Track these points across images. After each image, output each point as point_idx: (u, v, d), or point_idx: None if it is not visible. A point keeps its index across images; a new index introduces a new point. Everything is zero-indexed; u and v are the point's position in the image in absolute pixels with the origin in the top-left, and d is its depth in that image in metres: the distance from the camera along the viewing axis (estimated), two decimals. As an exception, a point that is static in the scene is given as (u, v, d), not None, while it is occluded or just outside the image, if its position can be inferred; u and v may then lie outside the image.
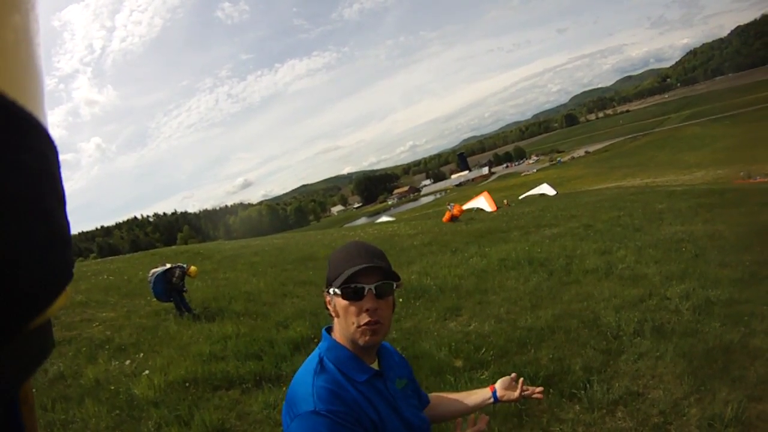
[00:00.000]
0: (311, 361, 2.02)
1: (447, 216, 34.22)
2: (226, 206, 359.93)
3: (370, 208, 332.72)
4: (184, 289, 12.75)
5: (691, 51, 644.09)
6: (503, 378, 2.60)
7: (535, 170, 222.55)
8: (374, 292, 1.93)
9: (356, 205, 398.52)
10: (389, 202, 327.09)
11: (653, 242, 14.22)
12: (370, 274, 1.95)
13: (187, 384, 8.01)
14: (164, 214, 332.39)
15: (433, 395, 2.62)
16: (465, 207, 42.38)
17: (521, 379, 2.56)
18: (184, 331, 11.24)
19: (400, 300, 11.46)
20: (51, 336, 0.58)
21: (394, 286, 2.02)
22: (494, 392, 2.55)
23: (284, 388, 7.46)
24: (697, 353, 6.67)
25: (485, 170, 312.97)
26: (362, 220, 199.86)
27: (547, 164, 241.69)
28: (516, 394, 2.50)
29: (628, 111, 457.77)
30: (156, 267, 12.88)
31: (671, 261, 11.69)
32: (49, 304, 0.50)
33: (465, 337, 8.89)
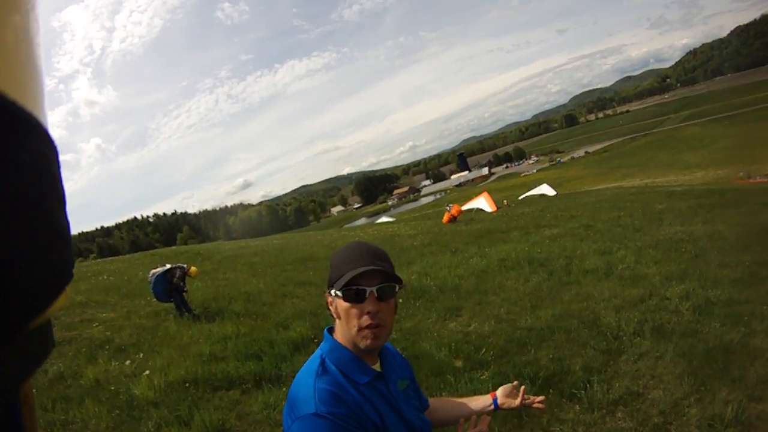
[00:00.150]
0: (313, 362, 2.01)
1: (446, 217, 34.20)
2: (226, 207, 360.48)
3: (370, 208, 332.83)
4: (185, 289, 12.74)
5: (690, 51, 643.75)
6: (504, 386, 2.57)
7: (534, 170, 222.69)
8: (376, 294, 1.92)
9: (356, 206, 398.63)
10: (389, 203, 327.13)
11: (653, 242, 14.22)
12: (372, 277, 1.93)
13: (187, 384, 8.01)
14: (164, 214, 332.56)
15: (433, 399, 2.61)
16: (465, 207, 42.40)
17: (522, 387, 2.54)
18: (184, 332, 11.24)
19: (400, 300, 11.45)
20: (51, 336, 0.58)
21: (397, 288, 2.01)
22: (495, 399, 2.53)
23: (284, 389, 7.47)
24: (697, 353, 6.67)
25: (485, 171, 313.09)
26: (362, 221, 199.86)
27: (547, 164, 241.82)
28: (517, 402, 2.49)
29: (627, 111, 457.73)
30: (156, 267, 12.87)
31: (671, 261, 11.69)
32: (49, 304, 0.50)
33: (465, 337, 8.89)
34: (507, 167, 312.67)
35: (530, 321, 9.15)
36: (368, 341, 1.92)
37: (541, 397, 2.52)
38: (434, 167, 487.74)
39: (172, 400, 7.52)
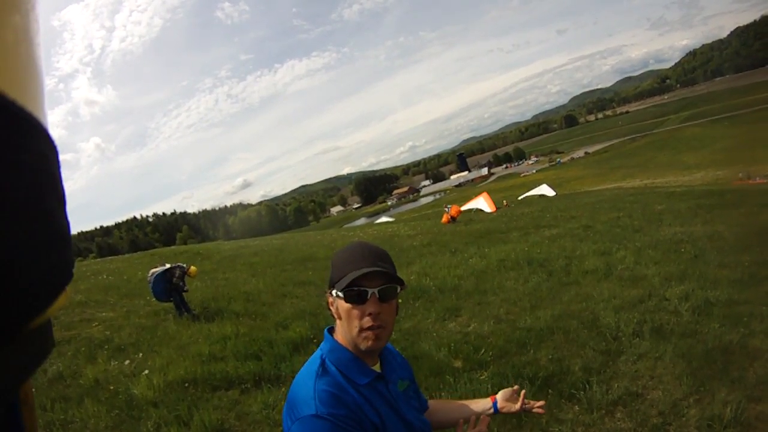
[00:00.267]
0: (313, 362, 2.01)
1: (445, 218, 34.22)
2: (226, 206, 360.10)
3: (370, 208, 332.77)
4: (185, 288, 12.73)
5: (690, 52, 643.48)
6: (505, 389, 2.57)
7: (534, 171, 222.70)
8: (377, 295, 1.92)
9: (356, 206, 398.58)
10: (389, 203, 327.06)
11: (653, 243, 14.22)
12: (374, 278, 1.93)
13: (186, 384, 8.01)
14: (163, 214, 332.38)
15: (432, 401, 2.61)
16: (464, 207, 42.45)
17: (523, 392, 2.53)
18: (184, 332, 11.24)
19: (400, 301, 11.44)
20: (51, 336, 0.58)
21: (398, 289, 2.01)
22: (495, 403, 2.52)
23: (283, 389, 7.49)
24: (697, 354, 6.67)
25: (485, 171, 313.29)
26: (361, 221, 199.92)
27: (547, 165, 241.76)
28: (517, 406, 2.48)
29: (627, 112, 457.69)
30: (155, 267, 12.86)
31: (670, 262, 11.70)
32: (49, 303, 0.50)
33: (464, 337, 8.89)
34: (507, 167, 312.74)
35: (529, 321, 9.15)
36: (369, 343, 1.92)
37: (541, 402, 2.51)
38: (434, 167, 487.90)
39: (172, 399, 7.52)
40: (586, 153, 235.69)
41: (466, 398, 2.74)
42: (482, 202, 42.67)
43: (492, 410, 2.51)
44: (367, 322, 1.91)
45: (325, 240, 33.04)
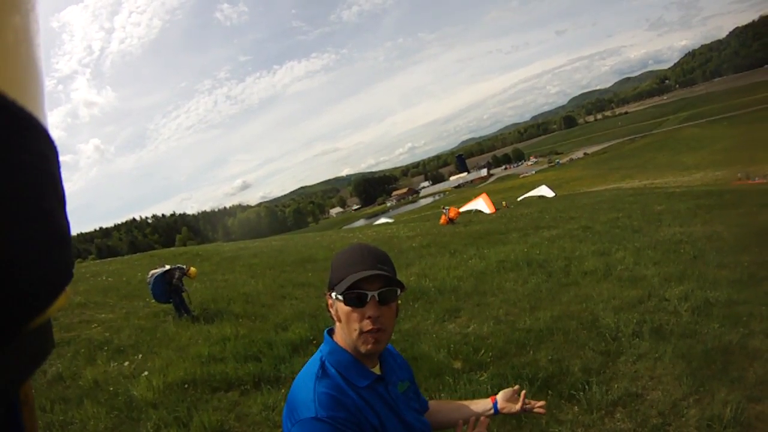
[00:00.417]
0: (313, 364, 2.01)
1: (443, 219, 34.21)
2: (225, 208, 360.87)
3: (369, 209, 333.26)
4: (185, 289, 12.74)
5: (689, 52, 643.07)
6: (505, 390, 2.56)
7: (533, 172, 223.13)
8: (377, 298, 1.91)
9: (355, 207, 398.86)
10: (388, 204, 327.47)
11: (652, 243, 14.23)
12: (374, 281, 1.92)
13: (186, 385, 8.01)
14: (163, 215, 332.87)
15: (432, 402, 2.60)
16: (464, 209, 42.53)
17: (523, 392, 2.53)
18: (183, 333, 11.24)
19: (399, 302, 11.43)
20: (51, 336, 0.58)
21: (398, 292, 2.01)
22: (495, 403, 2.52)
23: (283, 390, 7.48)
24: (696, 354, 6.68)
25: (484, 172, 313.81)
26: (361, 222, 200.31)
27: (546, 166, 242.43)
28: (517, 406, 2.48)
29: (626, 113, 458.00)
30: (155, 268, 12.87)
31: (670, 262, 11.70)
32: (49, 304, 0.50)
33: (464, 338, 8.88)
34: (506, 168, 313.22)
35: (529, 322, 9.15)
36: (369, 346, 1.92)
37: (541, 402, 2.50)
38: (433, 168, 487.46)
39: (171, 401, 7.51)
40: (585, 154, 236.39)
41: (466, 399, 2.74)
42: (481, 203, 42.77)
43: (492, 411, 2.50)
44: (367, 325, 1.90)
45: (324, 241, 33.04)
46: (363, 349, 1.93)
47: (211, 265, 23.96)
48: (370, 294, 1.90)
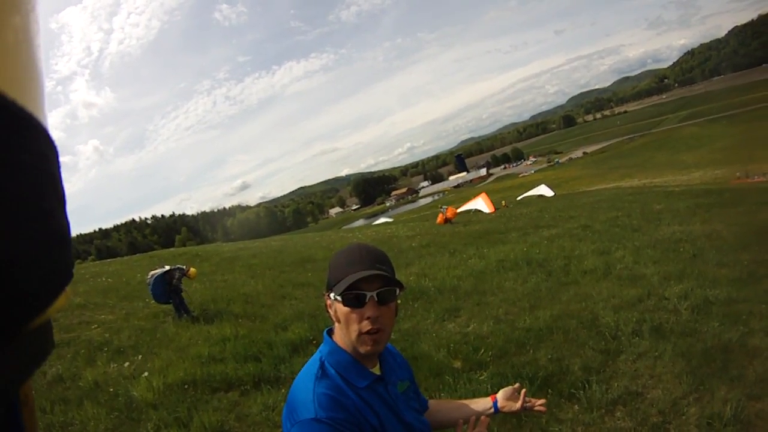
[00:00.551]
0: (312, 365, 2.00)
1: (440, 218, 34.19)
2: (224, 208, 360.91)
3: (368, 209, 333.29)
4: (183, 289, 12.74)
5: (688, 51, 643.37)
6: (505, 388, 2.55)
7: (533, 171, 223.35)
8: (376, 299, 1.91)
9: (354, 207, 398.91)
10: (387, 204, 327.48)
11: (651, 242, 14.24)
12: (372, 281, 1.91)
13: (186, 386, 8.01)
14: (162, 216, 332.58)
15: (432, 401, 2.60)
16: (463, 208, 42.57)
17: (524, 390, 2.51)
18: (183, 333, 11.25)
19: (399, 301, 11.43)
20: (51, 336, 0.58)
21: (397, 292, 2.00)
22: (495, 402, 2.51)
23: (283, 390, 7.48)
24: (696, 353, 6.68)
25: (483, 171, 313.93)
26: (360, 222, 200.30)
27: (545, 165, 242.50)
28: (518, 405, 2.46)
29: (625, 112, 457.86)
30: (155, 269, 12.87)
31: (669, 261, 11.70)
32: (49, 304, 0.50)
33: (464, 338, 8.88)
34: (505, 168, 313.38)
35: (529, 321, 9.15)
36: (368, 347, 1.92)
37: (542, 401, 2.49)
38: (432, 168, 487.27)
39: (171, 401, 7.51)
40: (584, 153, 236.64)
41: (466, 398, 2.74)
42: (481, 203, 42.75)
43: (492, 410, 2.49)
44: (366, 325, 1.90)
45: (323, 241, 33.02)
46: (362, 350, 1.93)
47: (211, 266, 23.97)
48: (368, 294, 1.90)
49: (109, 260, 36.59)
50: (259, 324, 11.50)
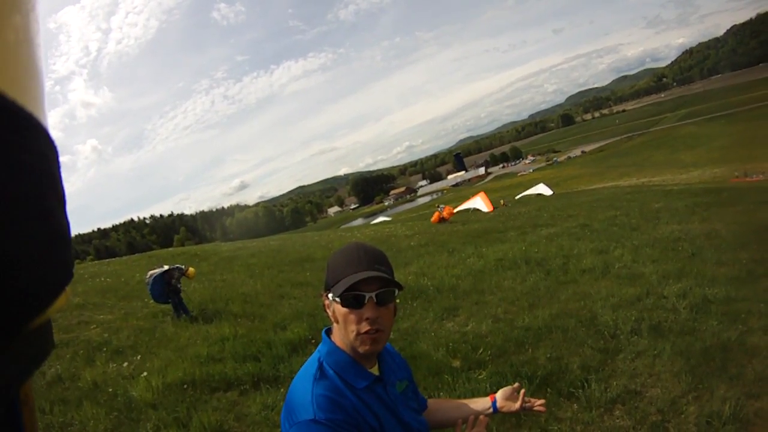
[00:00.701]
0: (311, 365, 2.00)
1: (435, 216, 34.18)
2: (223, 208, 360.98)
3: (367, 209, 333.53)
4: (181, 288, 12.74)
5: (687, 50, 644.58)
6: (504, 388, 2.54)
7: (531, 170, 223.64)
8: (375, 300, 1.91)
9: (353, 206, 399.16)
10: (386, 203, 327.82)
11: (650, 241, 14.24)
12: (371, 282, 1.91)
13: (185, 386, 8.01)
14: (161, 216, 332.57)
15: (431, 401, 2.60)
16: (462, 207, 42.59)
17: (522, 390, 2.51)
18: (182, 333, 11.25)
19: (397, 301, 11.41)
20: (51, 336, 0.58)
21: (396, 292, 2.00)
22: (494, 402, 2.50)
23: (282, 390, 7.48)
24: (695, 351, 6.68)
25: (482, 170, 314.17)
26: (359, 221, 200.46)
27: (544, 164, 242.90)
28: (517, 405, 2.46)
29: (624, 111, 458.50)
30: (154, 269, 12.85)
31: (668, 260, 11.71)
32: (50, 303, 0.50)
33: (462, 337, 8.88)
34: (503, 167, 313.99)
35: (528, 320, 9.15)
36: (367, 347, 1.91)
37: (541, 401, 2.49)
38: (431, 167, 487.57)
39: (170, 401, 7.51)
40: (582, 152, 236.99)
41: (465, 397, 2.74)
42: (479, 202, 42.79)
43: (491, 410, 2.49)
44: (365, 326, 1.89)
45: (322, 241, 33.02)
46: (361, 349, 1.92)
47: (210, 266, 23.99)
48: (367, 295, 1.90)
49: (107, 260, 36.58)
50: (257, 323, 11.49)
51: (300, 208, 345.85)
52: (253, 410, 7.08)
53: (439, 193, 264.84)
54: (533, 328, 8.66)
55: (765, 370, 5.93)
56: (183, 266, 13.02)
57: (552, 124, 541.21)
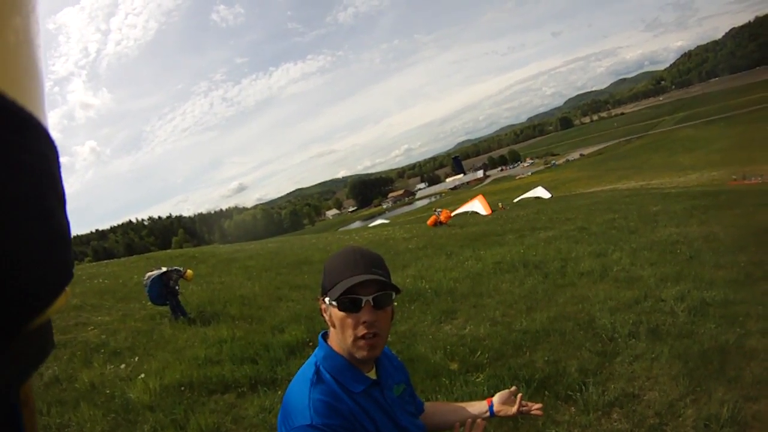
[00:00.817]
0: (307, 369, 2.00)
1: (432, 220, 34.19)
2: (221, 210, 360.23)
3: (365, 211, 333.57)
4: (179, 291, 12.73)
5: (685, 53, 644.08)
6: (501, 392, 2.54)
7: (530, 173, 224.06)
8: (372, 303, 1.90)
9: (351, 209, 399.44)
10: (384, 206, 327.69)
11: (648, 244, 14.25)
12: (368, 285, 1.91)
13: (182, 388, 8.00)
14: (159, 217, 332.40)
15: (428, 404, 2.60)
16: (460, 210, 42.66)
17: (519, 395, 2.50)
18: (180, 335, 11.24)
19: (395, 304, 11.41)
20: (51, 336, 0.58)
21: (393, 296, 2.00)
22: (491, 406, 2.50)
23: (280, 392, 7.47)
24: (693, 354, 6.69)
25: (480, 173, 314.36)
26: (357, 224, 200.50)
27: (542, 167, 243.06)
28: (513, 409, 2.45)
29: (622, 113, 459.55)
30: (151, 270, 12.83)
31: (666, 263, 11.72)
32: (50, 304, 0.50)
33: (460, 340, 8.88)
34: (502, 170, 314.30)
35: (525, 323, 9.15)
36: (365, 353, 1.91)
37: (538, 405, 2.47)
38: (429, 170, 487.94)
39: (168, 403, 7.50)
40: (581, 155, 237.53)
41: (462, 401, 2.74)
42: (477, 205, 42.81)
43: (488, 413, 2.48)
44: (362, 330, 1.89)
45: (320, 243, 33.04)
46: (359, 355, 1.92)
47: (208, 268, 23.98)
48: (364, 299, 1.89)
49: (105, 261, 36.53)
50: (255, 326, 11.49)
51: (298, 211, 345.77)
52: (250, 413, 7.08)
53: (438, 196, 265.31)
54: (531, 331, 8.67)
55: (763, 373, 5.94)
56: (181, 268, 13.01)
57: (550, 127, 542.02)
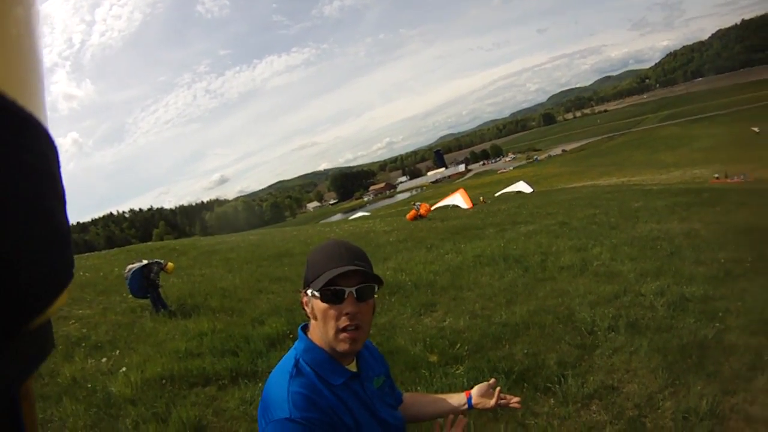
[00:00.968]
0: (287, 362, 2.00)
1: (411, 214, 34.24)
2: (203, 202, 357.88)
3: (346, 204, 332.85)
4: (159, 284, 12.69)
5: (671, 53, 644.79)
6: (480, 384, 2.56)
7: (511, 168, 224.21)
8: (355, 295, 1.90)
9: (332, 202, 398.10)
10: (365, 199, 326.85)
11: (629, 240, 14.33)
12: (351, 277, 1.91)
13: (163, 381, 7.96)
14: (140, 210, 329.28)
15: (407, 395, 2.59)
16: (441, 204, 42.58)
17: (498, 388, 2.51)
18: (160, 328, 11.18)
19: (376, 296, 11.38)
20: (51, 336, 0.58)
21: (376, 288, 2.00)
22: (469, 398, 2.51)
23: (260, 384, 7.44)
24: (672, 348, 6.75)
25: (462, 167, 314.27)
26: (338, 217, 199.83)
27: (524, 162, 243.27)
28: (492, 402, 2.47)
29: (606, 111, 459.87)
30: (132, 263, 12.76)
31: (646, 258, 11.79)
32: (50, 303, 0.50)
33: (440, 332, 8.92)
34: (484, 164, 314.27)
35: (505, 316, 9.19)
36: (346, 346, 1.91)
37: (517, 398, 2.50)
38: (411, 164, 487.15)
39: (149, 397, 7.47)
40: (563, 151, 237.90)
41: (442, 392, 2.75)
42: (459, 199, 42.74)
43: (466, 405, 2.50)
44: (344, 321, 1.89)
45: (301, 236, 32.98)
46: (340, 348, 1.92)
47: (189, 260, 23.90)
48: (347, 290, 1.89)
49: (86, 254, 36.16)
50: (236, 318, 11.46)
51: (279, 203, 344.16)
52: (231, 405, 7.07)
53: (419, 190, 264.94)
54: (510, 324, 8.71)
55: (741, 368, 6.01)
56: (162, 261, 12.96)
57: (533, 123, 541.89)
